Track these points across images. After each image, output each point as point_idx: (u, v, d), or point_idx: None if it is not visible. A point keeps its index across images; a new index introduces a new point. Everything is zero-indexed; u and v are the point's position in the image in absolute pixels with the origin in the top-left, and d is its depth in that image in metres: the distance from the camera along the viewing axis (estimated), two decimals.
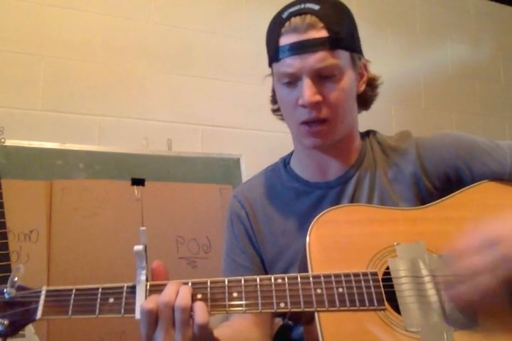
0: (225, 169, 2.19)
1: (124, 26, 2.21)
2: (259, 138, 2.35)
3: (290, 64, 0.87)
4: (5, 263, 1.52)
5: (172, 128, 2.23)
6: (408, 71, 2.96)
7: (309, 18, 0.86)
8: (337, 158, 0.99)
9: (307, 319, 0.81)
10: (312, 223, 0.83)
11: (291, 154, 1.08)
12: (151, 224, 1.95)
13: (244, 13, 2.47)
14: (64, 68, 2.07)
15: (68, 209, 1.83)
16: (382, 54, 2.87)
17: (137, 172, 2.00)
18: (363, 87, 0.98)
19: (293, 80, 0.89)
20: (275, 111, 1.05)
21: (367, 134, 1.05)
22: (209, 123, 2.32)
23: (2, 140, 1.73)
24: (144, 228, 0.74)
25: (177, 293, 0.70)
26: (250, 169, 2.17)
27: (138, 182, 1.98)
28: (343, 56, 0.89)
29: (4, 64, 1.97)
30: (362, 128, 1.08)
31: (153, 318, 0.69)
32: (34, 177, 1.82)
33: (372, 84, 1.01)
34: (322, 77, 0.87)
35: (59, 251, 1.77)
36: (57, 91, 2.04)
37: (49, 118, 2.01)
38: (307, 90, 0.86)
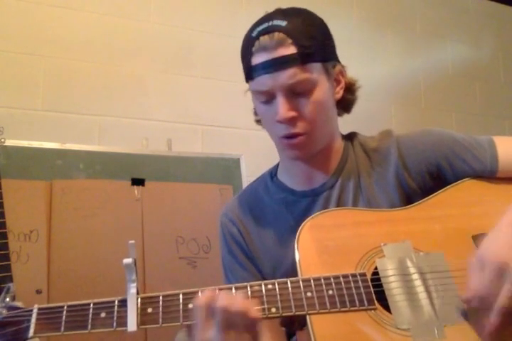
0: (225, 169, 2.19)
1: (124, 26, 2.21)
2: (259, 138, 2.33)
3: (263, 83, 0.89)
4: (5, 263, 1.52)
5: (172, 128, 2.23)
6: (408, 71, 2.96)
7: (277, 36, 0.87)
8: (320, 166, 1.00)
9: (300, 324, 0.81)
10: (299, 229, 0.85)
11: (277, 166, 1.09)
12: (151, 224, 1.95)
13: (245, 13, 2.47)
14: (64, 68, 2.07)
15: (68, 209, 1.83)
16: (382, 54, 2.86)
17: (137, 172, 2.00)
18: (340, 94, 0.98)
19: (268, 98, 0.90)
20: (258, 121, 1.06)
21: (349, 137, 1.06)
22: (209, 123, 2.32)
23: (2, 140, 1.73)
24: (132, 241, 0.74)
25: (232, 296, 0.73)
26: (250, 169, 2.17)
27: (138, 182, 1.99)
28: (315, 68, 0.90)
29: (4, 64, 1.97)
30: (361, 128, 1.08)
31: (206, 314, 0.71)
32: (34, 177, 1.82)
33: (350, 88, 1.01)
34: (295, 93, 0.89)
35: (59, 251, 1.77)
36: (57, 91, 2.05)
37: (49, 118, 2.01)
38: (280, 107, 0.88)
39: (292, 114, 0.89)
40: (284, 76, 0.87)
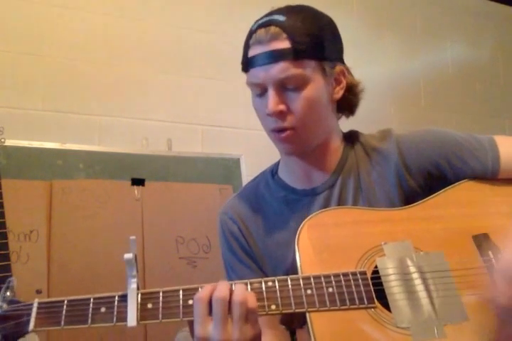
0: (225, 169, 2.20)
1: (124, 26, 2.22)
2: (259, 138, 2.32)
3: (256, 75, 0.90)
4: (5, 263, 1.52)
5: (172, 128, 2.23)
6: (408, 71, 2.96)
7: (273, 29, 0.88)
8: (318, 164, 0.99)
9: (299, 322, 0.81)
10: (300, 227, 0.85)
11: (278, 163, 1.09)
12: (151, 224, 1.95)
13: (244, 13, 2.47)
14: (64, 68, 2.07)
15: (68, 209, 1.83)
16: (382, 54, 2.87)
17: (137, 172, 2.00)
18: (339, 94, 0.97)
19: (262, 91, 0.91)
20: None
21: (349, 136, 1.05)
22: (209, 123, 2.32)
23: (2, 140, 1.73)
24: (133, 237, 0.74)
25: (231, 288, 0.73)
26: (250, 169, 2.17)
27: (138, 182, 1.99)
28: (309, 65, 0.90)
29: (4, 64, 1.97)
30: (361, 128, 1.08)
31: (206, 309, 0.71)
32: (34, 177, 1.82)
33: (352, 90, 1.00)
34: (287, 87, 0.89)
35: (59, 251, 1.77)
36: (57, 92, 2.05)
37: (49, 118, 2.01)
38: (270, 100, 0.89)
39: (281, 107, 0.89)
40: (275, 69, 0.87)
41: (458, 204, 0.90)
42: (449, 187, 0.92)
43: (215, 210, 2.00)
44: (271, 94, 0.89)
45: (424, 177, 0.95)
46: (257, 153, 2.24)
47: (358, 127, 1.07)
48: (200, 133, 2.30)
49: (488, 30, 3.29)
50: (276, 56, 0.87)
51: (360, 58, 2.67)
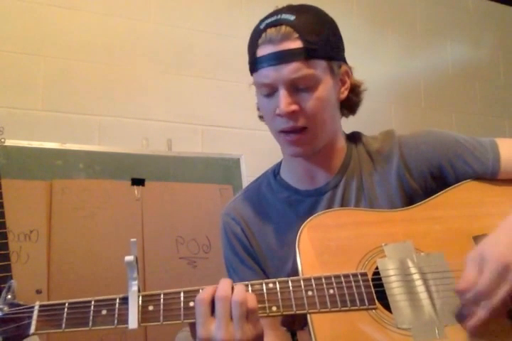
0: (225, 169, 2.19)
1: (124, 26, 2.21)
2: (259, 138, 2.35)
3: (266, 75, 0.89)
4: (5, 263, 1.52)
5: (172, 128, 2.23)
6: (408, 71, 2.96)
7: (284, 29, 0.87)
8: (323, 165, 0.99)
9: (300, 323, 0.81)
10: (301, 228, 0.85)
11: (279, 164, 1.09)
12: (151, 224, 1.95)
13: (244, 13, 2.47)
14: (64, 68, 2.07)
15: (68, 209, 1.83)
16: (382, 54, 2.87)
17: (137, 172, 2.00)
18: (345, 94, 0.98)
19: (271, 91, 0.90)
20: (261, 117, 1.05)
21: (352, 137, 1.05)
22: (209, 123, 2.32)
23: (2, 140, 1.73)
24: (134, 239, 0.74)
25: (233, 287, 0.73)
26: (250, 169, 2.17)
27: (138, 182, 1.99)
28: (320, 65, 0.90)
29: (4, 64, 1.97)
30: (361, 128, 1.08)
31: (208, 309, 0.72)
32: (34, 177, 1.82)
33: (355, 90, 1.00)
34: (298, 88, 0.89)
35: (59, 251, 1.77)
36: (57, 91, 2.05)
37: (49, 118, 2.01)
38: (282, 100, 0.88)
39: (294, 107, 0.88)
40: (287, 69, 0.86)
41: (458, 205, 0.90)
42: (450, 188, 0.93)
43: (215, 210, 2.02)
44: (283, 94, 0.88)
45: (426, 179, 0.95)
46: (257, 153, 2.24)
47: (358, 127, 1.08)
48: (200, 133, 2.30)
49: (488, 30, 3.29)
50: (288, 56, 0.86)
51: (360, 58, 2.66)
